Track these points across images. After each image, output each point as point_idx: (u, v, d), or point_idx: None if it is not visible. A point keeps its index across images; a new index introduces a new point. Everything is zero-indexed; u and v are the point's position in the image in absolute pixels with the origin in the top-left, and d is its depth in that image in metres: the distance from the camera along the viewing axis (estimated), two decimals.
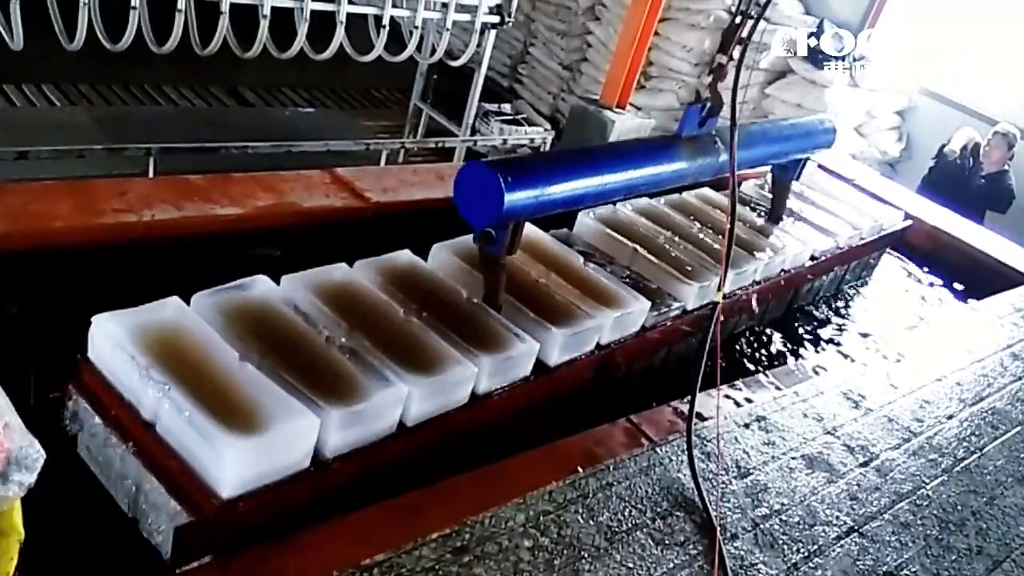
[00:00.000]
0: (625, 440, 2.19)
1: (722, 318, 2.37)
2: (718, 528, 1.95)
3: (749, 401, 2.51)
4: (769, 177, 3.80)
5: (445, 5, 5.33)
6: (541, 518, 1.84)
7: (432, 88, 7.05)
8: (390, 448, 1.92)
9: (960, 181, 6.14)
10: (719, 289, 2.40)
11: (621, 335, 2.60)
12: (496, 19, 5.72)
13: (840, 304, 4.05)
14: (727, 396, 2.49)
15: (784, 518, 2.09)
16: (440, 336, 2.11)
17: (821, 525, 2.10)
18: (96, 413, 1.76)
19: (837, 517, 2.15)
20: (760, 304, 3.35)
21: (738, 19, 2.79)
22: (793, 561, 1.96)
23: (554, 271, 2.62)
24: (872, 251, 4.18)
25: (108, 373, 1.79)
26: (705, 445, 2.22)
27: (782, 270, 3.39)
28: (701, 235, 3.22)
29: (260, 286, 2.08)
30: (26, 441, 1.16)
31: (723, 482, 2.13)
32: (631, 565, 1.80)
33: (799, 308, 3.82)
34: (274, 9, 4.57)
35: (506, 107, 7.63)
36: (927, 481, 2.42)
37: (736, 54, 2.68)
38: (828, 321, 3.86)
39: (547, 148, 6.87)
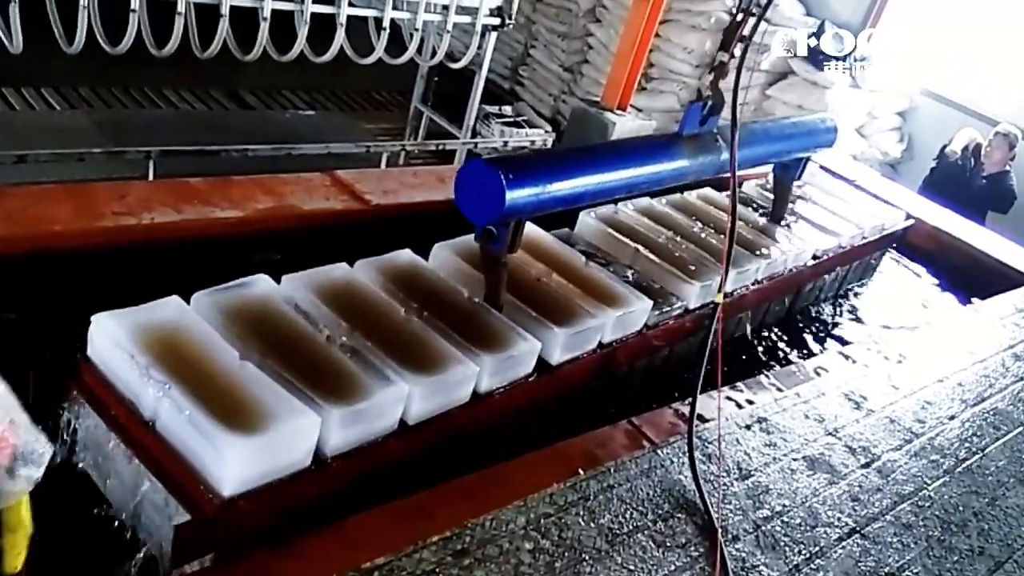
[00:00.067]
0: (626, 442, 2.18)
1: (723, 317, 2.36)
2: (719, 530, 1.94)
3: (750, 402, 2.50)
4: (771, 177, 3.80)
5: (446, 7, 5.33)
6: (542, 520, 1.83)
7: (433, 90, 7.05)
8: (391, 447, 1.91)
9: (961, 182, 6.14)
10: (720, 289, 2.39)
11: (623, 334, 2.60)
12: (497, 21, 5.72)
13: (841, 304, 4.04)
14: (728, 398, 2.48)
15: (786, 520, 2.08)
16: (441, 335, 2.11)
17: (823, 526, 2.10)
18: (95, 412, 1.76)
19: (839, 518, 2.14)
20: (762, 304, 3.34)
21: (739, 17, 2.79)
22: (795, 563, 1.96)
23: (556, 270, 2.62)
24: (874, 251, 4.17)
25: (108, 372, 1.79)
26: (706, 447, 2.22)
27: (784, 269, 3.38)
28: (703, 235, 3.22)
29: (260, 285, 2.08)
30: (32, 436, 1.17)
31: (724, 484, 2.12)
32: (632, 567, 1.79)
33: (801, 308, 3.82)
34: (274, 12, 4.57)
35: (507, 109, 7.64)
36: (929, 482, 2.41)
37: (737, 52, 2.68)
38: (829, 322, 3.85)
39: None
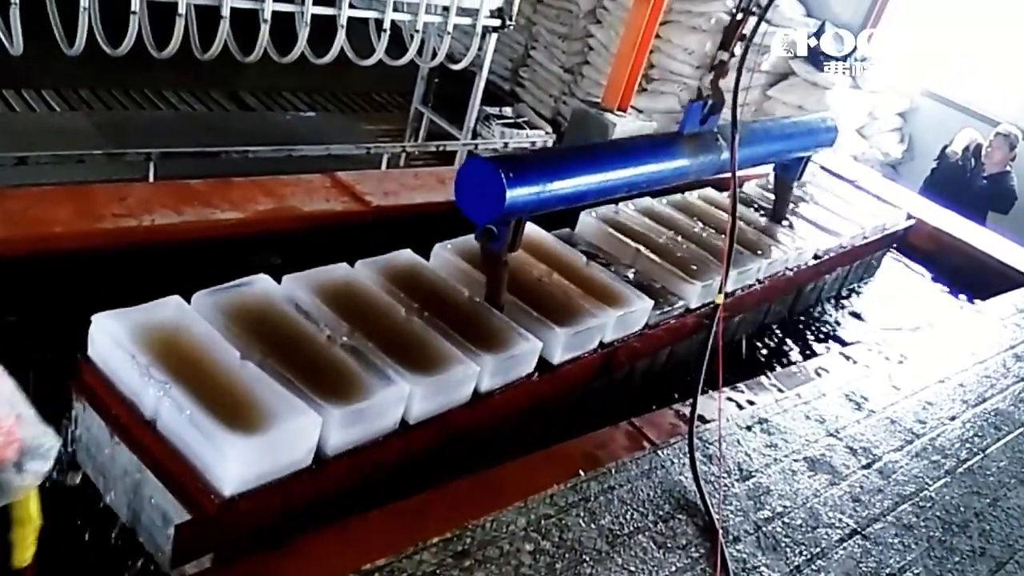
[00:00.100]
0: (626, 443, 2.17)
1: (724, 315, 2.36)
2: (720, 531, 1.94)
3: (751, 403, 2.50)
4: (771, 177, 3.80)
5: (446, 9, 5.33)
6: (542, 522, 1.83)
7: (433, 92, 7.06)
8: (392, 447, 1.91)
9: (962, 182, 6.14)
10: (720, 290, 2.39)
11: (624, 334, 2.59)
12: (497, 22, 5.72)
13: (843, 305, 4.04)
14: (729, 398, 2.48)
15: (786, 520, 2.08)
16: (442, 335, 2.11)
17: (824, 527, 2.09)
18: (96, 412, 1.76)
19: (840, 519, 2.14)
20: (762, 304, 3.34)
21: (739, 16, 2.79)
22: (796, 564, 1.95)
23: (557, 270, 2.61)
24: (875, 250, 4.17)
25: (108, 372, 1.78)
26: (707, 448, 2.21)
27: (785, 269, 3.38)
28: (704, 235, 3.22)
29: (261, 285, 2.08)
30: (40, 430, 1.17)
31: (725, 485, 2.12)
32: (633, 569, 1.79)
33: (802, 308, 3.81)
34: (275, 13, 4.57)
35: (507, 110, 7.64)
36: (930, 483, 2.41)
37: (738, 51, 2.68)
38: (830, 322, 3.85)
39: None
